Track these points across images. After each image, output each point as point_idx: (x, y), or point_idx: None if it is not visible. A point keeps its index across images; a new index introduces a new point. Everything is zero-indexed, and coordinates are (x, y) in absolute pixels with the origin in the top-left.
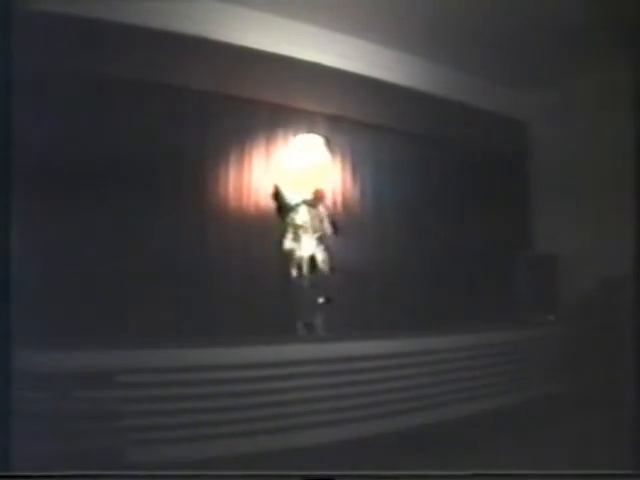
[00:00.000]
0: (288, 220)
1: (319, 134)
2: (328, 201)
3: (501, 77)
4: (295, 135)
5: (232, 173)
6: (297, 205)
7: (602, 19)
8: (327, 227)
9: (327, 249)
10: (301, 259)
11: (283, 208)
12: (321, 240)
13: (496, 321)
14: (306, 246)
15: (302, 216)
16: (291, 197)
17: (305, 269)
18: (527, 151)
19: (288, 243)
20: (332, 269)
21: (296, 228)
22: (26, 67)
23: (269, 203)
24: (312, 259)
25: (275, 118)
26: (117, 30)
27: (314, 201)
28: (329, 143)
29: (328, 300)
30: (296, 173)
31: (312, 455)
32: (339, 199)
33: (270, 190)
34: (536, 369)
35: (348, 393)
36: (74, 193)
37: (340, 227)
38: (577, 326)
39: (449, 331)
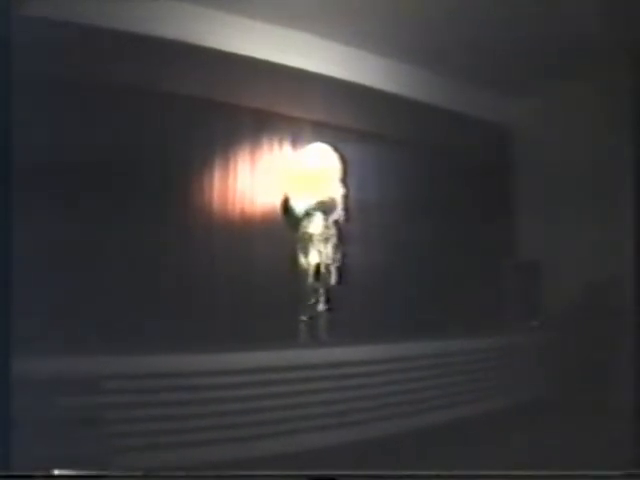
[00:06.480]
0: (301, 229)
1: (326, 143)
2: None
3: (487, 83)
4: (281, 141)
5: (217, 179)
6: (309, 214)
7: (591, 24)
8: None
9: (339, 257)
10: (310, 267)
11: (292, 218)
12: (332, 249)
13: (483, 328)
14: (317, 254)
15: (315, 225)
16: (300, 206)
17: (313, 277)
18: (512, 157)
19: (301, 252)
20: (340, 279)
21: (309, 237)
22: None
23: (254, 208)
24: (319, 267)
25: (260, 124)
26: (105, 36)
27: (327, 209)
28: (337, 151)
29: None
30: (305, 182)
31: (311, 457)
32: None
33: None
34: (521, 374)
35: (341, 398)
36: (61, 202)
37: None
38: (562, 332)
39: (436, 337)
